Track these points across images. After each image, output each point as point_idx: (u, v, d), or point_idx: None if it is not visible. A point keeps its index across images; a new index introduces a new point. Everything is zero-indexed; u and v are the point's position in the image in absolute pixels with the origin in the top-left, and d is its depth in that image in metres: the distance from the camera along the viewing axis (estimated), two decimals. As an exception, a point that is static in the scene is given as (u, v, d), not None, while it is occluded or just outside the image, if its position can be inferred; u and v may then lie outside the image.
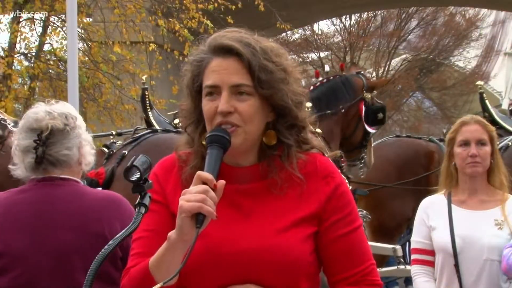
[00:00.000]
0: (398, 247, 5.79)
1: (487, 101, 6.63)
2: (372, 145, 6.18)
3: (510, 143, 5.71)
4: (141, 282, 1.86)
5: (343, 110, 5.71)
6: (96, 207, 2.66)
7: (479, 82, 7.41)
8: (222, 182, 1.80)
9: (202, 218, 1.75)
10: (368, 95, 5.87)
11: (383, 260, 6.44)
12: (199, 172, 1.80)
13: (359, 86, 5.91)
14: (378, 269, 6.60)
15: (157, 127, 5.88)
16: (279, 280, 1.88)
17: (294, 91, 1.95)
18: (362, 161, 5.95)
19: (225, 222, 1.90)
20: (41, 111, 2.72)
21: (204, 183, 1.78)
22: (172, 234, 1.80)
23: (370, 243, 5.58)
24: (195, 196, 1.75)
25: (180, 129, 6.15)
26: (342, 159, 6.81)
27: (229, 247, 1.88)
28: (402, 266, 5.79)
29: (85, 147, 2.76)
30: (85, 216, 2.64)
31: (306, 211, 1.93)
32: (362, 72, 6.33)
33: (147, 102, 6.23)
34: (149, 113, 6.12)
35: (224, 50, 1.92)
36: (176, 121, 6.63)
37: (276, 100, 1.92)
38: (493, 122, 6.49)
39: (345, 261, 1.96)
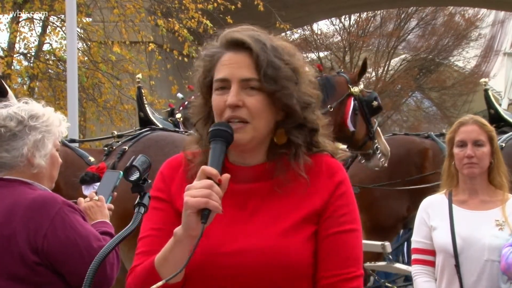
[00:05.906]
0: (387, 243, 5.78)
1: (492, 98, 6.57)
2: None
3: (503, 144, 5.61)
4: (146, 279, 1.83)
5: (331, 109, 5.72)
6: (16, 209, 2.59)
7: (483, 80, 7.29)
8: (226, 176, 1.79)
9: (207, 213, 1.73)
10: (355, 89, 5.92)
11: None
12: (203, 167, 1.78)
13: (342, 83, 5.96)
14: (369, 263, 6.46)
15: (159, 124, 5.90)
16: (279, 281, 1.86)
17: (303, 91, 1.94)
18: (377, 151, 6.01)
19: (228, 223, 1.89)
20: None
21: (209, 178, 1.76)
22: (178, 230, 1.78)
23: None
24: (200, 191, 1.73)
25: (178, 128, 6.17)
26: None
27: (229, 248, 1.87)
28: (392, 264, 5.80)
29: (37, 150, 2.69)
30: (1, 218, 2.59)
31: (308, 209, 1.91)
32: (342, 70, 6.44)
33: (144, 100, 6.25)
34: (148, 111, 6.15)
35: (235, 44, 1.91)
36: (178, 115, 6.65)
37: (281, 98, 1.90)
38: (499, 118, 6.44)
39: (329, 260, 1.90)
